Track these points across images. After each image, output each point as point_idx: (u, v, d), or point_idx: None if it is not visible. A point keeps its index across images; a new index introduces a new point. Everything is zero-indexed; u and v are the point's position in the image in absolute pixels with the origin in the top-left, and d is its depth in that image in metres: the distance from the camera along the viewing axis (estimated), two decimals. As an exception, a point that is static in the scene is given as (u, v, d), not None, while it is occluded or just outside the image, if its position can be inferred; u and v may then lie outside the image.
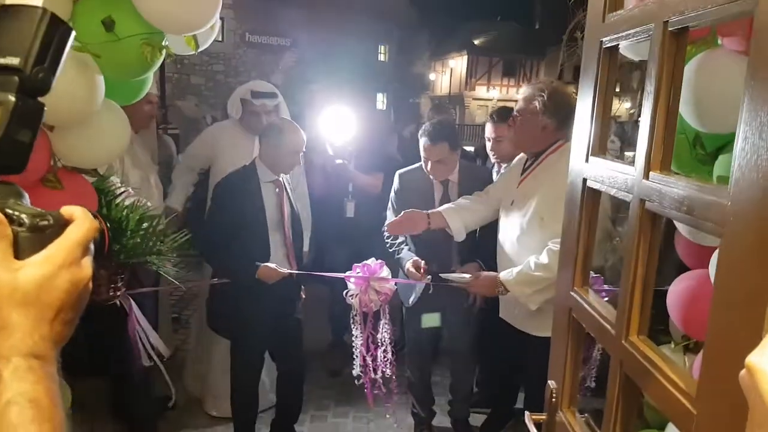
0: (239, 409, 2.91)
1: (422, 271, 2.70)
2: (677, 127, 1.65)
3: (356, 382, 2.75)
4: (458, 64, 29.43)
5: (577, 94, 1.46)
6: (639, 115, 1.14)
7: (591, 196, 1.29)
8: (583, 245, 1.32)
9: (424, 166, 2.82)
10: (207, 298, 2.96)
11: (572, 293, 1.32)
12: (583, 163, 1.31)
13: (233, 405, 2.91)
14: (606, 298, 2.13)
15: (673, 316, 1.77)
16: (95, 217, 0.70)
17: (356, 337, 2.73)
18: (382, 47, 21.09)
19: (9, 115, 0.68)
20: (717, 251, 0.83)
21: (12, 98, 0.69)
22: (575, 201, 1.34)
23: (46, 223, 0.64)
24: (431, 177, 2.83)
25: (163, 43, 1.60)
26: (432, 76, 30.55)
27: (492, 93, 28.45)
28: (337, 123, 3.80)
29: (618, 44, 1.23)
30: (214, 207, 2.79)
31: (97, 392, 3.09)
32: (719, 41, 1.55)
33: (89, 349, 2.84)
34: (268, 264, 2.67)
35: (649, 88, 1.04)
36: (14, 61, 0.69)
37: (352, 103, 4.02)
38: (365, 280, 2.66)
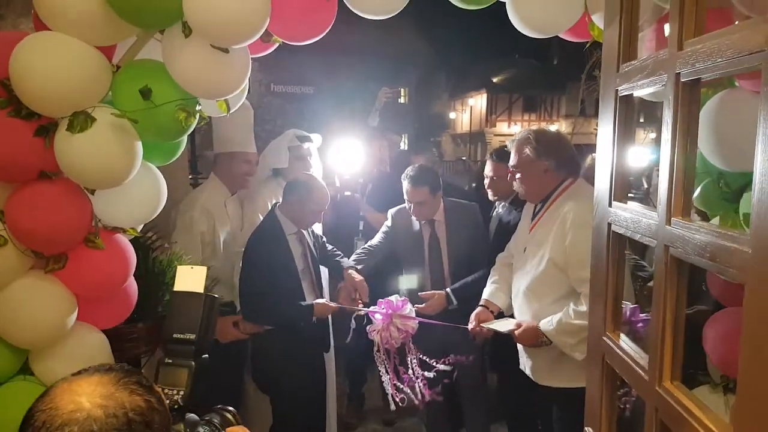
0: None
1: (357, 300, 2.82)
2: (701, 166, 1.68)
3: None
4: (478, 102, 29.75)
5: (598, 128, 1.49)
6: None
7: (617, 240, 1.31)
8: (612, 289, 1.33)
9: (407, 208, 3.02)
10: (252, 352, 2.89)
11: (605, 338, 1.32)
12: (607, 207, 1.33)
13: None
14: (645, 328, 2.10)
15: (710, 355, 1.74)
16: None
17: (383, 373, 2.72)
18: (403, 90, 21.49)
19: (192, 376, 1.04)
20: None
21: (192, 363, 1.05)
22: (601, 245, 1.36)
23: None
24: (414, 218, 3.02)
25: (197, 108, 1.69)
26: (452, 115, 30.90)
27: (513, 129, 28.57)
28: (345, 156, 3.83)
29: (633, 93, 1.26)
30: (250, 264, 2.70)
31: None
32: (735, 82, 1.58)
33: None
34: (318, 300, 2.72)
35: (666, 136, 1.06)
36: (191, 336, 1.06)
37: (373, 146, 4.07)
38: (389, 317, 2.67)
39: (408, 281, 3.06)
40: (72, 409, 0.81)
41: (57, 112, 1.61)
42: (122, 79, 1.66)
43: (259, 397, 3.00)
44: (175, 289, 1.13)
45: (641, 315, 2.24)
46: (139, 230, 2.03)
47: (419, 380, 2.67)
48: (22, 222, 1.67)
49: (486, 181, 3.17)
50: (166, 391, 1.02)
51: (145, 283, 2.18)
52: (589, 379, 1.42)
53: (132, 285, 2.04)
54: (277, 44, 1.78)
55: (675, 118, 1.04)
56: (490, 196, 3.21)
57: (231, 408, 1.12)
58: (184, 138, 1.84)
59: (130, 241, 1.98)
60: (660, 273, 1.06)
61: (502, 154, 3.00)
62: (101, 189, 1.72)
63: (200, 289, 1.11)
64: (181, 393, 1.02)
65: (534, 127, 3.04)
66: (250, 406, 3.13)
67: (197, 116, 1.68)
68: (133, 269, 1.93)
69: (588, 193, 2.45)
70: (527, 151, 2.43)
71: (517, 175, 2.50)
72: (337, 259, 3.01)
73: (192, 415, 1.03)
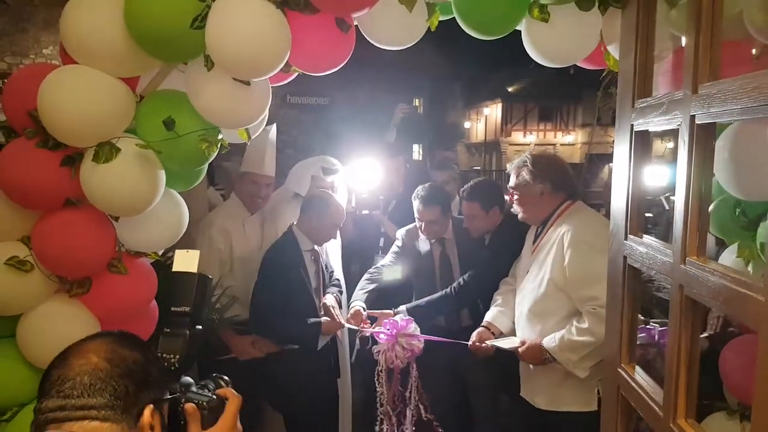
0: None
1: (363, 322, 2.81)
2: (716, 192, 1.68)
3: None
4: (493, 111, 29.67)
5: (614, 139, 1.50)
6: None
7: (632, 273, 1.32)
8: (627, 321, 1.34)
9: (417, 227, 3.02)
10: (265, 372, 2.87)
11: (619, 370, 1.33)
12: (623, 240, 1.34)
13: None
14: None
15: (726, 383, 1.73)
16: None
17: (381, 394, 2.73)
18: (417, 100, 21.50)
19: (186, 344, 1.18)
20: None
21: (187, 332, 1.19)
22: (617, 277, 1.37)
23: (215, 404, 1.09)
24: (425, 236, 3.03)
25: (218, 137, 1.73)
26: (467, 125, 30.86)
27: (529, 138, 28.48)
28: (363, 174, 3.72)
29: (648, 129, 1.28)
30: (264, 278, 2.74)
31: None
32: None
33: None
34: (325, 318, 2.75)
35: (681, 175, 1.08)
36: (186, 309, 1.21)
37: (389, 157, 4.05)
38: (394, 337, 2.68)
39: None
40: (83, 362, 0.96)
41: (83, 143, 1.66)
42: (146, 110, 1.71)
43: (275, 414, 3.04)
44: (174, 269, 1.28)
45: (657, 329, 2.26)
46: (160, 253, 2.07)
47: (412, 405, 2.66)
48: (48, 248, 1.72)
49: (464, 219, 3.11)
50: (164, 356, 1.17)
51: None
52: (604, 410, 1.42)
53: (153, 306, 2.08)
54: (296, 74, 1.82)
55: (690, 158, 1.06)
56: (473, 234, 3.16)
57: (225, 377, 1.22)
58: (206, 165, 1.88)
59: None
60: (675, 311, 1.07)
61: (473, 193, 2.96)
62: (125, 216, 1.77)
63: (194, 270, 1.26)
64: (177, 358, 1.18)
65: (534, 151, 3.07)
66: (267, 421, 3.17)
67: (219, 145, 1.72)
68: (155, 292, 1.98)
69: (586, 214, 2.49)
70: (524, 173, 2.49)
71: (515, 197, 2.55)
72: (328, 291, 2.97)
73: (187, 377, 1.17)
